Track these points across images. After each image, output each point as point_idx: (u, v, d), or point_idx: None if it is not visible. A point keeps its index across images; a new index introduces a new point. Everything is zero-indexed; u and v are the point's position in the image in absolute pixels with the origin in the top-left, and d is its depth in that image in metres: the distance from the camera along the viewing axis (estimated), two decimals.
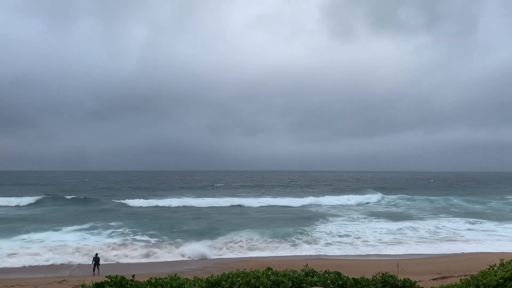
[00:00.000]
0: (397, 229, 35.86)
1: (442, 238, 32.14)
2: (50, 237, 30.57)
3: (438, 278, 17.30)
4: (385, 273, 8.27)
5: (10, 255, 24.63)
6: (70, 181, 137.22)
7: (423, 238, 32.30)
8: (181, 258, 25.45)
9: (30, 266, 22.94)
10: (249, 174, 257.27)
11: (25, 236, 30.28)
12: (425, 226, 37.78)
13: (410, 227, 37.21)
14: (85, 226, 35.79)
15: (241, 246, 28.59)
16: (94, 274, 21.26)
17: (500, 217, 44.57)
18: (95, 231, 33.40)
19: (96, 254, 22.92)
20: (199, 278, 7.96)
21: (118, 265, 23.72)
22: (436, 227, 37.31)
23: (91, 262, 22.39)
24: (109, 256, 25.29)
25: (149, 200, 59.07)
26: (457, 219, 42.68)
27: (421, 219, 43.23)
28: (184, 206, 55.76)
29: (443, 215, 46.28)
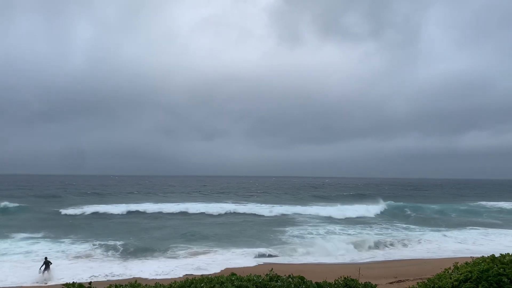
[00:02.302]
0: (355, 234, 36.90)
1: (398, 243, 33.09)
2: None
3: (394, 282, 17.84)
4: (347, 277, 8.42)
5: None
6: (15, 185, 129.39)
7: (378, 242, 33.15)
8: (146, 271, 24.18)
9: None
10: (206, 179, 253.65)
11: None
12: (381, 231, 39.04)
13: (366, 232, 38.48)
14: (35, 236, 34.08)
15: (203, 253, 28.22)
16: (44, 278, 20.46)
17: (449, 222, 46.65)
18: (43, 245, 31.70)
19: (46, 258, 21.93)
20: (161, 284, 7.78)
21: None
22: (391, 232, 38.62)
23: (39, 267, 21.33)
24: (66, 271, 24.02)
25: (94, 206, 55.51)
26: (412, 225, 44.30)
27: (376, 223, 44.58)
28: (136, 211, 53.38)
29: (397, 221, 47.92)
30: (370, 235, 36.85)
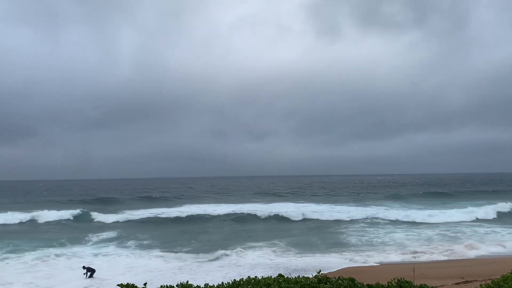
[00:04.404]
0: (419, 233, 35.36)
1: (467, 240, 31.15)
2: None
3: (461, 283, 16.76)
4: (401, 278, 8.01)
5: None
6: (77, 190, 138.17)
7: (448, 240, 31.46)
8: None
9: None
10: (259, 180, 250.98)
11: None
12: (450, 228, 37.09)
13: (430, 229, 36.79)
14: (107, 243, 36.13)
15: (255, 252, 28.38)
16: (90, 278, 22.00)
17: None
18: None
19: (84, 267, 22.98)
20: (210, 286, 7.88)
21: None
22: (461, 230, 36.57)
23: (84, 274, 22.42)
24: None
25: (160, 210, 57.40)
26: (485, 223, 41.64)
27: (444, 223, 42.29)
28: (197, 214, 52.93)
29: (467, 219, 45.16)
30: (439, 233, 35.09)
